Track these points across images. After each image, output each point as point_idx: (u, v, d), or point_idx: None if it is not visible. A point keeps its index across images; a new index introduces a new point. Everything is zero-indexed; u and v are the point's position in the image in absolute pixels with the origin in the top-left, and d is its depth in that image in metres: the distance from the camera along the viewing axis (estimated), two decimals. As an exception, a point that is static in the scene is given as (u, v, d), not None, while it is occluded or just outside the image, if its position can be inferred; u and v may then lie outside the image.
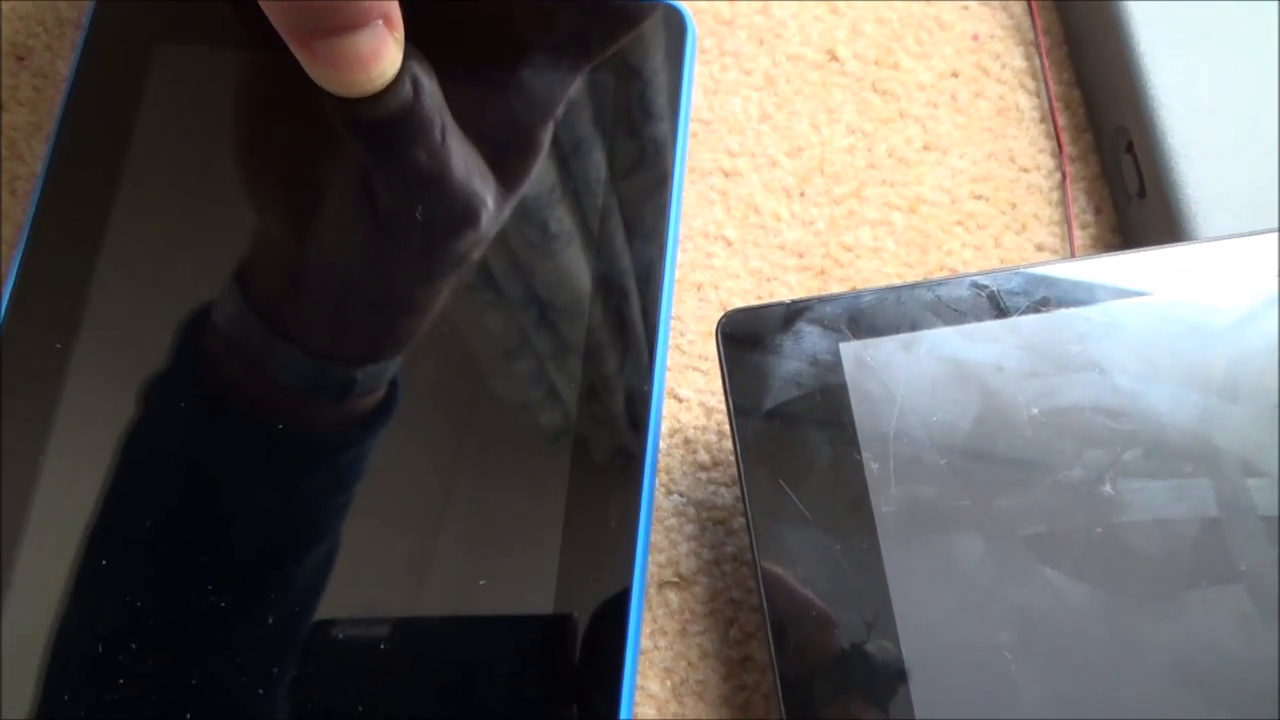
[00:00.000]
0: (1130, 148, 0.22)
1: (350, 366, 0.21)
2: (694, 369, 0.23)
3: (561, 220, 0.22)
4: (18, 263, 0.22)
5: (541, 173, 0.23)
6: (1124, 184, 0.23)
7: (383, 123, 0.22)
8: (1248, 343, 0.18)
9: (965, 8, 0.25)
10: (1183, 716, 0.16)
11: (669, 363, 0.22)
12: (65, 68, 0.25)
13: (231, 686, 0.19)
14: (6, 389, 0.21)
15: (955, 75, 0.25)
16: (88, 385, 0.21)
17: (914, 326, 0.19)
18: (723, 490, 0.22)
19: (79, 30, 0.25)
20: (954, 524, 0.18)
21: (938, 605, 0.17)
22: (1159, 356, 0.18)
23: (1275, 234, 0.19)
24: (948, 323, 0.19)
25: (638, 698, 0.20)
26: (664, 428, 0.22)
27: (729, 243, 0.23)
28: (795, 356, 0.19)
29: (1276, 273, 0.18)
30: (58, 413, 0.21)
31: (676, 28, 0.24)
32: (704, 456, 0.22)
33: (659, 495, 0.22)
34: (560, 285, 0.22)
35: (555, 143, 0.23)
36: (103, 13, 0.24)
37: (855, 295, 0.19)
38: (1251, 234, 0.19)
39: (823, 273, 0.23)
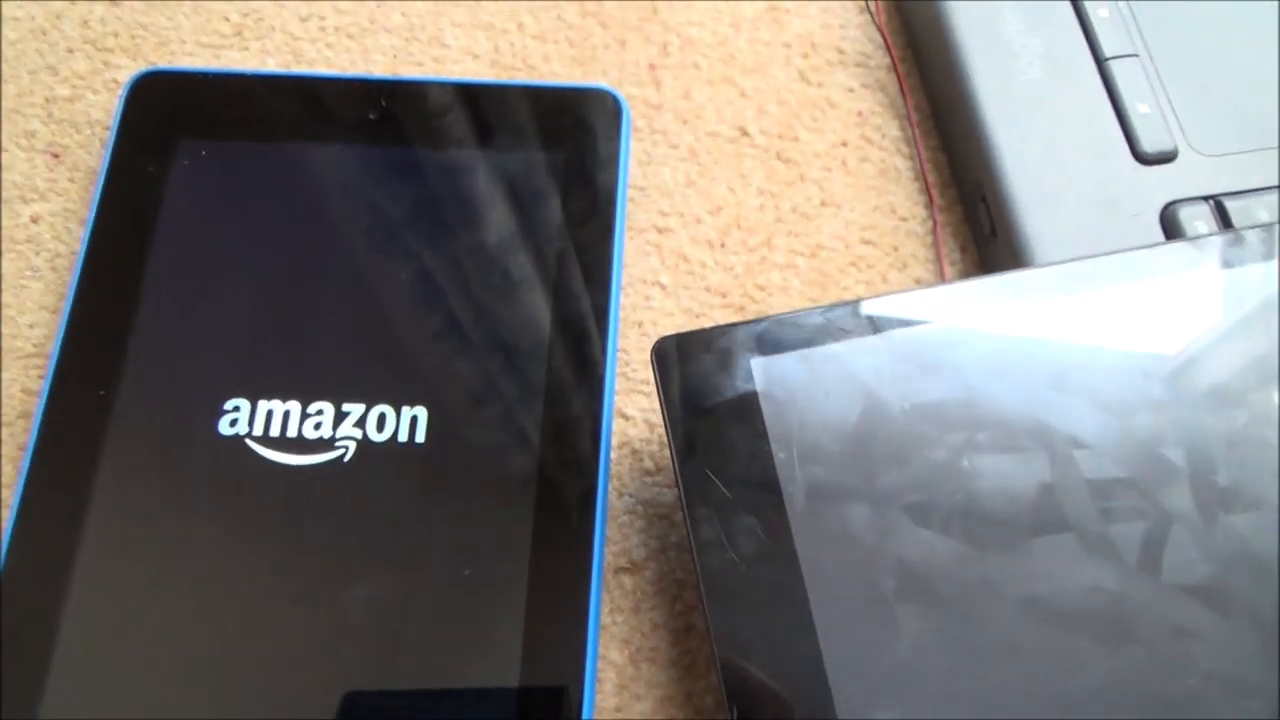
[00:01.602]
0: (984, 198, 0.27)
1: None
2: (638, 392, 0.27)
3: (517, 280, 0.27)
4: (65, 323, 0.26)
5: (499, 236, 0.27)
6: (981, 227, 0.28)
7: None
8: (1071, 344, 0.23)
9: (850, 90, 0.31)
10: (1031, 639, 0.21)
11: (617, 388, 0.27)
12: (95, 161, 0.29)
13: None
14: (56, 419, 0.25)
15: (844, 144, 0.30)
16: (128, 428, 0.25)
17: (810, 344, 0.23)
18: (665, 490, 0.26)
19: (107, 130, 0.29)
20: (846, 497, 0.22)
21: (836, 561, 0.22)
22: (1001, 358, 0.23)
23: (1094, 257, 0.24)
24: (836, 340, 0.23)
25: (600, 665, 0.24)
26: (614, 441, 0.26)
27: (663, 287, 0.28)
28: (716, 371, 0.23)
29: (1096, 289, 0.23)
30: (101, 455, 0.25)
31: (613, 110, 0.29)
32: (649, 464, 0.26)
33: (612, 497, 0.26)
34: (517, 338, 0.26)
35: (513, 209, 0.27)
36: (129, 113, 0.28)
37: (762, 321, 0.24)
38: (1070, 260, 0.24)
39: (742, 309, 0.28)
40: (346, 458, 0.25)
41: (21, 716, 0.22)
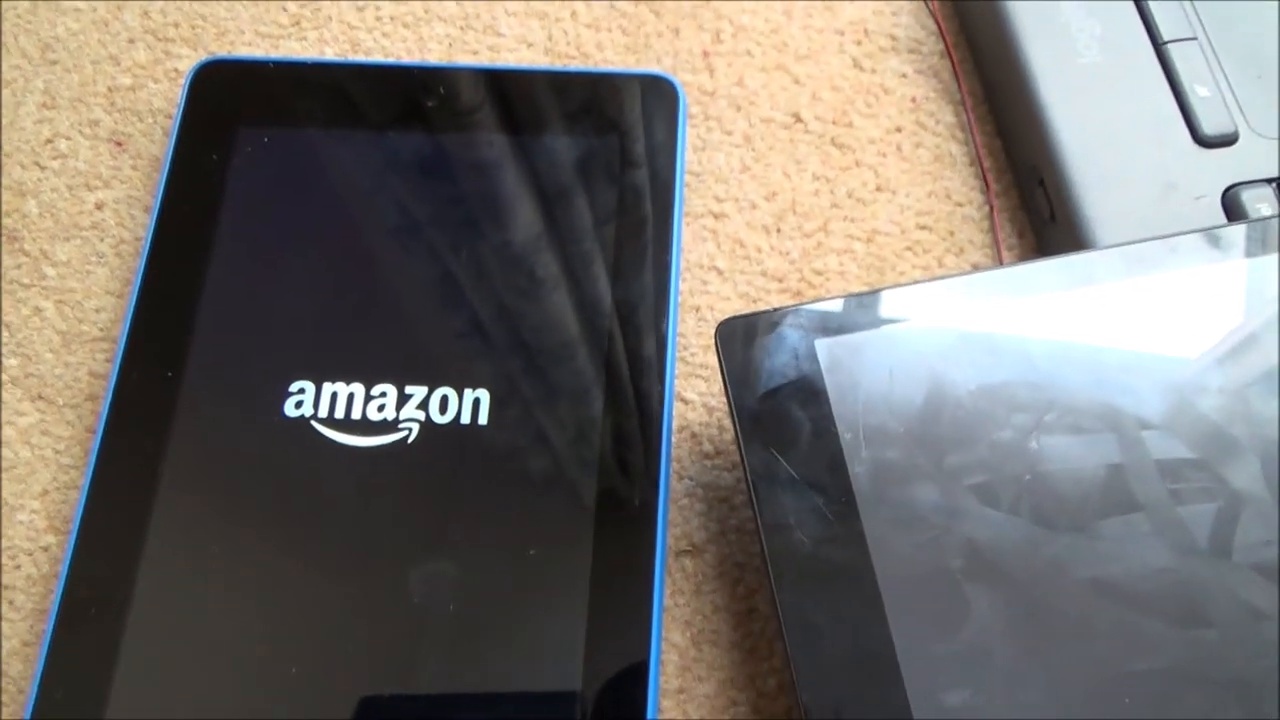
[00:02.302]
0: (1041, 182, 0.27)
1: None
2: (696, 376, 0.27)
3: (577, 265, 0.27)
4: (132, 308, 0.26)
5: (558, 222, 0.27)
6: (1039, 211, 0.28)
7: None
8: (1135, 325, 0.23)
9: (904, 75, 0.31)
10: (1101, 620, 0.21)
11: (676, 372, 0.27)
12: (157, 149, 0.29)
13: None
14: (125, 401, 0.25)
15: (899, 130, 0.30)
16: (195, 410, 0.25)
17: (873, 325, 0.23)
18: (725, 474, 0.26)
19: (168, 119, 0.30)
20: (913, 478, 0.22)
21: (903, 542, 0.22)
22: (1065, 339, 0.23)
23: (1158, 239, 0.24)
24: (899, 321, 0.23)
25: (663, 647, 0.24)
26: (674, 425, 0.26)
27: (720, 272, 0.28)
28: (780, 353, 0.23)
29: (1160, 271, 0.23)
30: (168, 438, 0.25)
31: (670, 97, 0.29)
32: (708, 447, 0.26)
33: (673, 480, 0.26)
34: (579, 321, 0.26)
35: (571, 195, 0.28)
36: (192, 101, 0.29)
37: (825, 302, 0.24)
38: (1132, 242, 0.24)
39: (799, 294, 0.28)
40: (410, 439, 0.25)
41: (92, 689, 0.22)
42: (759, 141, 0.30)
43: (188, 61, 0.30)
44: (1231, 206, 0.26)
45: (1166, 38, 0.28)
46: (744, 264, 0.28)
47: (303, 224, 0.27)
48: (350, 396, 0.25)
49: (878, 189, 0.29)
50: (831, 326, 0.23)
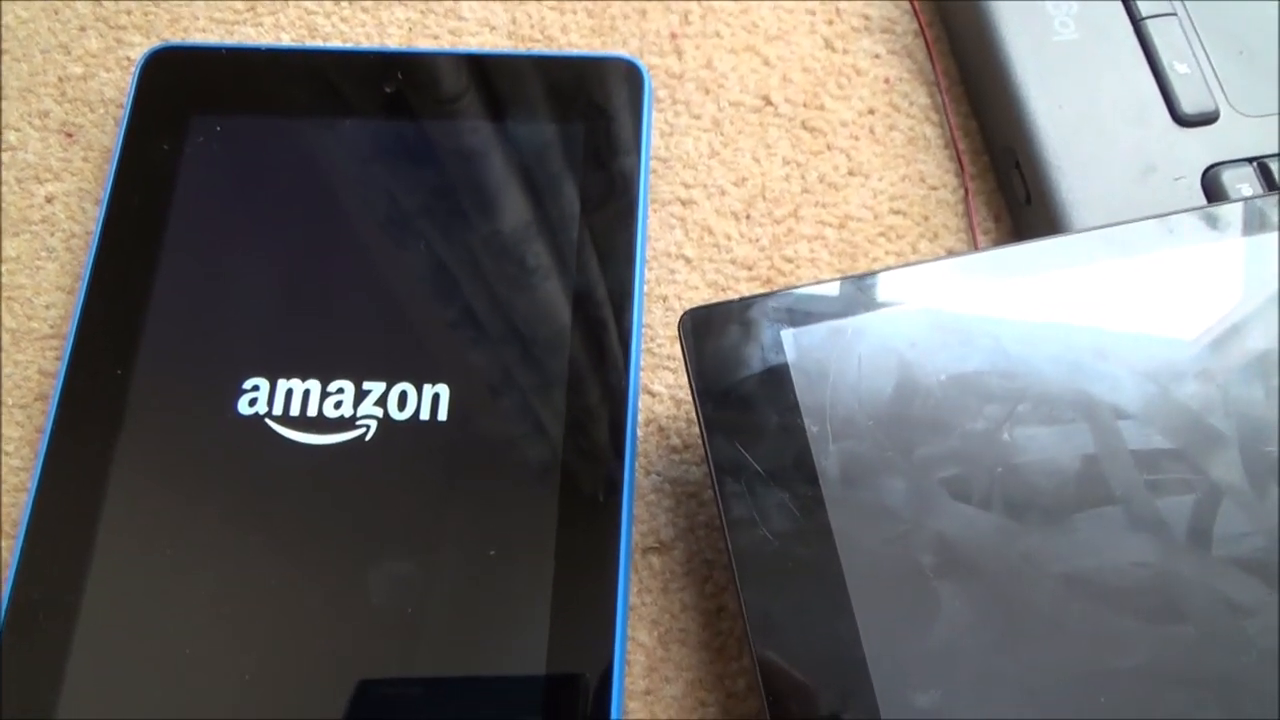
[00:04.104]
0: (1017, 164, 0.27)
1: None
2: (664, 368, 0.26)
3: (539, 254, 0.26)
4: (81, 304, 0.25)
5: (520, 210, 0.26)
6: (1015, 194, 0.27)
7: None
8: (1112, 311, 0.22)
9: (877, 56, 0.30)
10: (1074, 617, 0.20)
11: (642, 364, 0.26)
12: (108, 140, 0.29)
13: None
14: (73, 400, 0.24)
15: (872, 112, 0.29)
16: (146, 408, 0.25)
17: (841, 314, 0.23)
18: (693, 468, 0.25)
19: (121, 109, 0.29)
20: (882, 471, 0.21)
21: (871, 537, 0.21)
22: (1039, 327, 0.22)
23: (1135, 221, 0.23)
24: (868, 310, 0.23)
25: (629, 647, 0.24)
26: (640, 418, 0.26)
27: (688, 260, 0.27)
28: (745, 343, 0.23)
29: (1138, 254, 0.23)
30: (119, 437, 0.24)
31: (635, 81, 0.28)
32: (676, 441, 0.26)
33: (639, 475, 0.25)
34: (541, 312, 0.25)
35: (533, 182, 0.27)
36: (142, 90, 0.28)
37: (792, 292, 0.23)
38: (1109, 225, 0.23)
39: (769, 281, 0.27)
40: (368, 437, 0.24)
41: (43, 691, 0.22)
42: (728, 125, 0.29)
43: (140, 49, 0.29)
44: (1212, 187, 0.25)
45: (1145, 14, 0.27)
46: (713, 252, 0.27)
47: (257, 215, 0.27)
48: (306, 393, 0.25)
49: (850, 173, 0.28)
50: (798, 316, 0.23)
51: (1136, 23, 0.27)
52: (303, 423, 0.24)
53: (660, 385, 0.26)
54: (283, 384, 0.25)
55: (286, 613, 0.23)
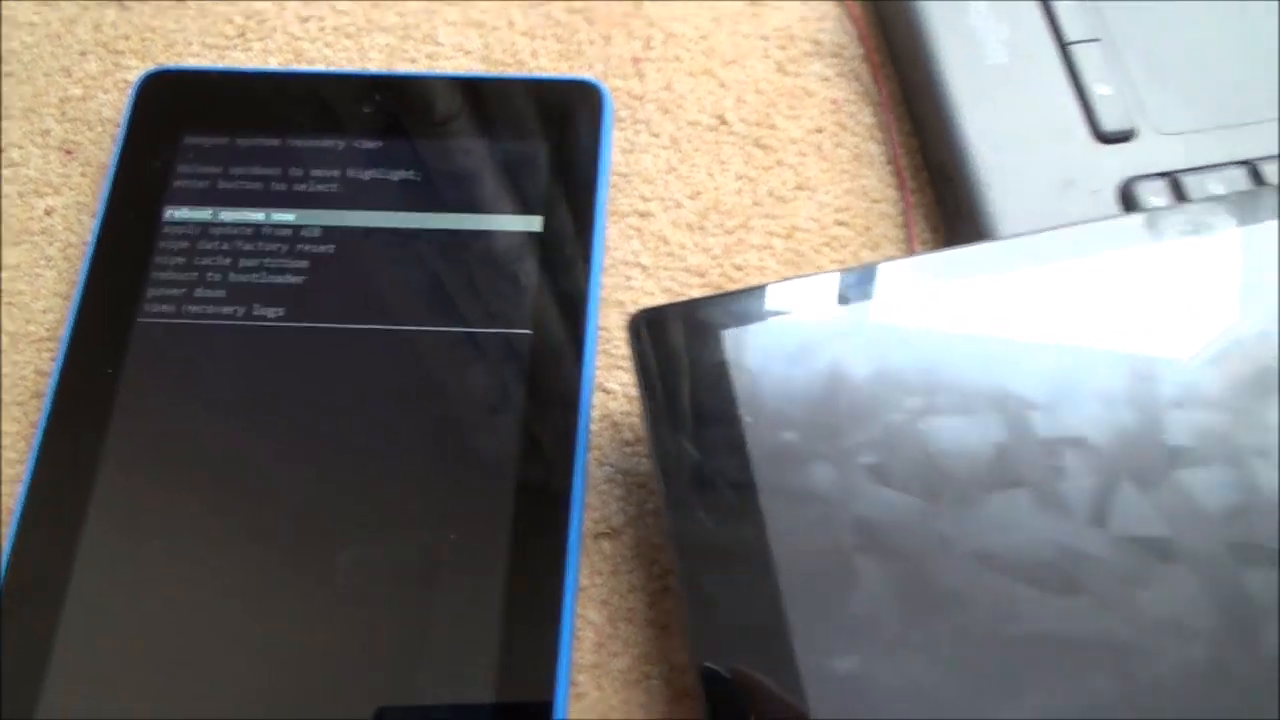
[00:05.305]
0: (950, 179, 0.28)
1: None
2: (619, 368, 0.28)
3: (501, 258, 0.28)
4: (76, 306, 0.27)
5: (485, 218, 0.28)
6: (948, 207, 0.29)
7: None
8: (1029, 312, 0.24)
9: (826, 79, 0.32)
10: (983, 589, 0.22)
11: (599, 364, 0.28)
12: (105, 157, 0.31)
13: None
14: (66, 398, 0.26)
15: (820, 131, 0.31)
16: (137, 404, 0.26)
17: (778, 314, 0.24)
18: (643, 460, 0.27)
19: (117, 128, 0.31)
20: (811, 459, 0.23)
21: (798, 519, 0.23)
22: (960, 326, 0.24)
23: (1052, 230, 0.25)
24: (804, 311, 0.24)
25: (579, 624, 0.25)
26: (595, 414, 0.27)
27: (644, 268, 0.29)
28: (688, 342, 0.24)
29: (1054, 260, 0.24)
30: (109, 433, 0.26)
31: (595, 100, 0.30)
32: (628, 435, 0.27)
33: (593, 467, 0.27)
34: (500, 313, 0.27)
35: (499, 193, 0.29)
36: (138, 110, 0.30)
37: (733, 294, 0.25)
38: (1028, 234, 0.25)
39: (720, 287, 0.29)
40: (340, 429, 0.26)
41: (29, 685, 0.23)
42: (685, 143, 0.31)
43: (137, 72, 0.32)
44: (1127, 199, 0.27)
45: (1071, 39, 0.29)
46: (667, 260, 0.29)
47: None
48: (283, 388, 0.26)
49: (798, 187, 0.30)
50: (739, 317, 0.25)
51: (1064, 47, 0.29)
52: (280, 416, 0.26)
53: (615, 384, 0.28)
54: (262, 380, 0.26)
55: (270, 602, 0.24)
